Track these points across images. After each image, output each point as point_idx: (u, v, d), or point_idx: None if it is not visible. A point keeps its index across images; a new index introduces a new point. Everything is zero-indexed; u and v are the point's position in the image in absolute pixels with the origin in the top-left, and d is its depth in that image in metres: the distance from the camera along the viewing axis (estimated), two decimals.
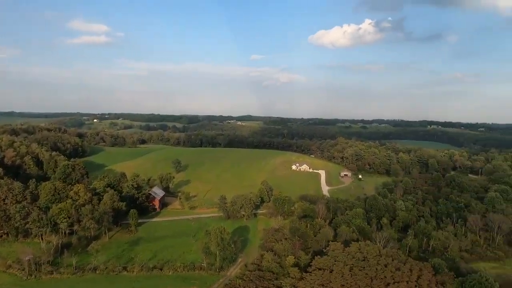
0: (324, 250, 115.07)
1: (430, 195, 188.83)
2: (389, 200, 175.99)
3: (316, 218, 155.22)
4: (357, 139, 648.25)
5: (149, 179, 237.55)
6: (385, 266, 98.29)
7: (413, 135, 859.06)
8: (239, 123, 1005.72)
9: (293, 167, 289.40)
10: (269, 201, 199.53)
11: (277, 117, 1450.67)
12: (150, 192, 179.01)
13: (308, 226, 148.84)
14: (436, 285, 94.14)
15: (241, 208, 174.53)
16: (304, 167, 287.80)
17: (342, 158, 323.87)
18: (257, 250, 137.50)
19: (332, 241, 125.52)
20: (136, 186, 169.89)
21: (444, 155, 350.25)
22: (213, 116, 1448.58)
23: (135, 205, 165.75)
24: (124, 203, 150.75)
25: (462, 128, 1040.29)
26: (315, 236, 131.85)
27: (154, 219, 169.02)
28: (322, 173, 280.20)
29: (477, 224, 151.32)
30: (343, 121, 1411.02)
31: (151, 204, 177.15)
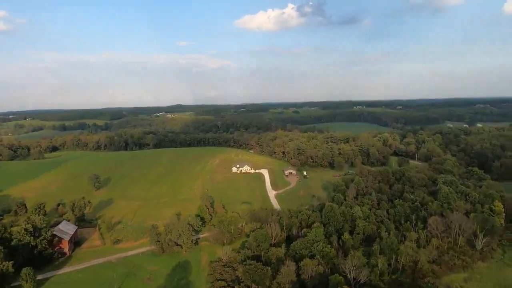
0: None
1: (383, 194, 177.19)
2: (345, 207, 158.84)
3: (271, 246, 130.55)
4: (292, 125, 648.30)
5: (58, 205, 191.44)
6: None
7: (342, 117, 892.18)
8: (168, 115, 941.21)
9: (234, 169, 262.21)
10: (211, 219, 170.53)
11: (209, 105, 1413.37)
12: (54, 232, 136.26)
13: (263, 256, 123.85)
14: None
15: (178, 237, 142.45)
16: (246, 168, 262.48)
17: (283, 153, 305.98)
18: None
19: (295, 281, 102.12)
20: (31, 230, 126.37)
21: (379, 140, 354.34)
22: (139, 108, 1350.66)
23: (33, 256, 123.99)
24: (11, 262, 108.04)
25: (383, 107, 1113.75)
26: (274, 276, 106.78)
27: (62, 270, 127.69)
28: (265, 173, 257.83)
29: (438, 226, 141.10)
30: (275, 105, 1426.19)
31: (57, 248, 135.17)
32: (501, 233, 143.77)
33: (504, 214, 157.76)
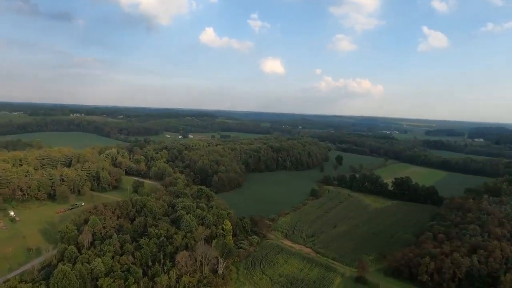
0: None
1: (126, 234, 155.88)
2: (81, 264, 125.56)
3: None
4: None
5: None
6: None
7: (57, 126, 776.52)
8: None
9: None
10: None
11: None
12: None
13: None
14: None
15: None
16: None
17: None
18: None
19: None
20: None
21: (107, 157, 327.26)
22: None
23: None
24: None
25: (104, 115, 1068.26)
26: None
27: None
28: None
29: (186, 262, 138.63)
30: None
31: None
32: (234, 252, 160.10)
33: (232, 231, 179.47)
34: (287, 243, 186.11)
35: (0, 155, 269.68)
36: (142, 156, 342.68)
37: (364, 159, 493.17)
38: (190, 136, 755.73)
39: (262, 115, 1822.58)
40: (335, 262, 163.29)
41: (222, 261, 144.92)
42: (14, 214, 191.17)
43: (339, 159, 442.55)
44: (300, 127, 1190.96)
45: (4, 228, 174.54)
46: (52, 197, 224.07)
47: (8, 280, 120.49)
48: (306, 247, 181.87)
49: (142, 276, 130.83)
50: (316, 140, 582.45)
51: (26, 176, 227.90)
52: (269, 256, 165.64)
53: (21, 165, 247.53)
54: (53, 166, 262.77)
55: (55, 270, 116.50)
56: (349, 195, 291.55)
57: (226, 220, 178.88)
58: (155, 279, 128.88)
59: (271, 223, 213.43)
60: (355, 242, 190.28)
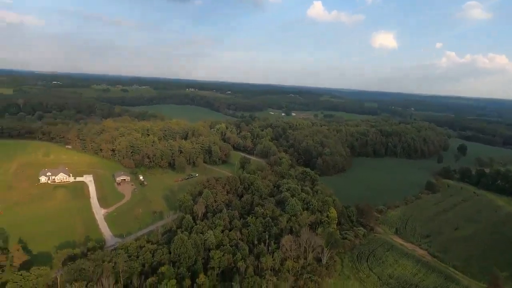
0: None
1: (234, 209, 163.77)
2: (196, 234, 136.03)
3: None
4: (121, 108, 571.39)
5: None
6: None
7: (175, 99, 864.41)
8: None
9: (43, 178, 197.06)
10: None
11: (3, 71, 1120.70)
12: None
13: None
14: None
15: None
16: (61, 177, 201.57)
17: (113, 151, 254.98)
18: None
19: None
20: None
21: (217, 131, 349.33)
22: None
23: None
24: None
25: (214, 91, 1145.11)
26: None
27: None
28: (90, 182, 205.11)
29: (291, 246, 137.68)
30: (97, 79, 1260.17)
31: None
32: (340, 243, 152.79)
33: (336, 219, 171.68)
34: (398, 240, 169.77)
35: (133, 125, 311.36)
36: (248, 133, 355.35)
37: (495, 151, 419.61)
38: (293, 114, 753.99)
39: (367, 94, 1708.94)
40: (456, 272, 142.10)
41: (327, 251, 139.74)
42: (143, 178, 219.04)
43: (462, 149, 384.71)
44: (412, 108, 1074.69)
45: (136, 190, 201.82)
46: (171, 166, 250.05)
47: (138, 238, 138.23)
48: (421, 248, 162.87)
49: (248, 253, 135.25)
50: (433, 125, 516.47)
51: (152, 145, 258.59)
52: (377, 253, 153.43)
53: (148, 135, 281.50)
54: (172, 138, 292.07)
55: (175, 236, 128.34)
56: (474, 193, 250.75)
57: (332, 207, 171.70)
58: (261, 258, 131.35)
59: (379, 215, 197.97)
60: (483, 251, 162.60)
